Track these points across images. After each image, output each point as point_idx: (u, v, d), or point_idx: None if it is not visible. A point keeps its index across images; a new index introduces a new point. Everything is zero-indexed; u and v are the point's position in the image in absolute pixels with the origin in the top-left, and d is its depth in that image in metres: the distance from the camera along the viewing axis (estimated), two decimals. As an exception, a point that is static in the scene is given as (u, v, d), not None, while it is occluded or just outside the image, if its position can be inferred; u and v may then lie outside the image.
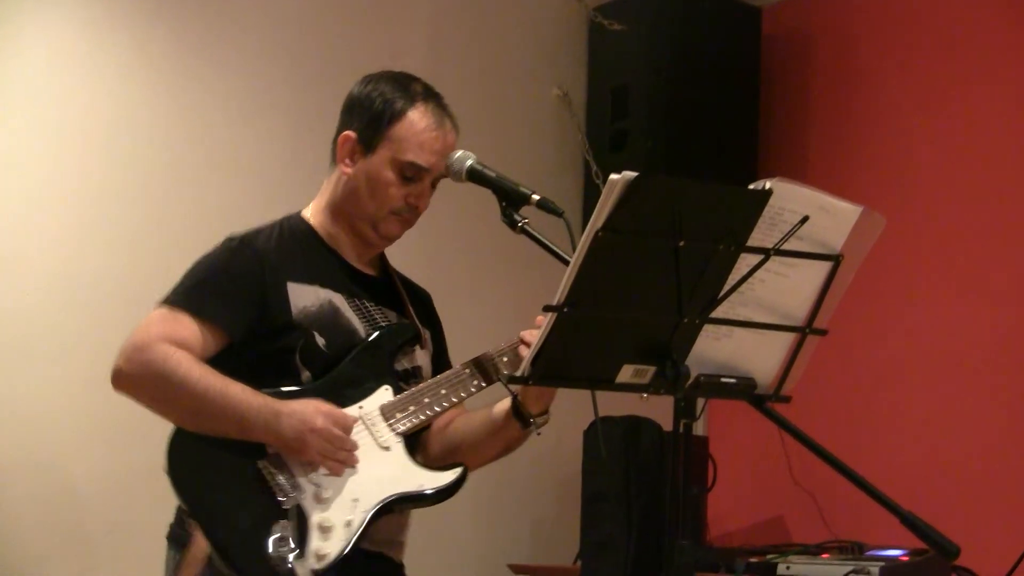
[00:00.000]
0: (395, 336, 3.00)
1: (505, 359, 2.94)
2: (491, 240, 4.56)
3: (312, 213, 3.06)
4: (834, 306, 2.45)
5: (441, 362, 3.13)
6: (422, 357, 3.06)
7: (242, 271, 2.89)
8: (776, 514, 5.07)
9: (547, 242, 2.87)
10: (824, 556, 4.26)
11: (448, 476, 2.89)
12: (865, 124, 5.03)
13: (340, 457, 2.80)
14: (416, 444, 2.96)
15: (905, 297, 4.81)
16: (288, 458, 2.79)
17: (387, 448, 2.88)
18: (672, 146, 4.99)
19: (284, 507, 2.75)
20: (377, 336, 2.96)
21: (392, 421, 2.90)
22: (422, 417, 2.92)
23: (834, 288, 2.43)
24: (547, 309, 2.28)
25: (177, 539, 2.88)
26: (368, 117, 2.98)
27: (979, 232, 4.66)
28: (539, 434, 2.97)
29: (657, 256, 2.29)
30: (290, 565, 2.68)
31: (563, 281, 2.26)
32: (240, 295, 2.86)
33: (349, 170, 2.99)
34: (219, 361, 2.82)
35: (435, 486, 2.88)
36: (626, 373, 2.37)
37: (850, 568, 4.01)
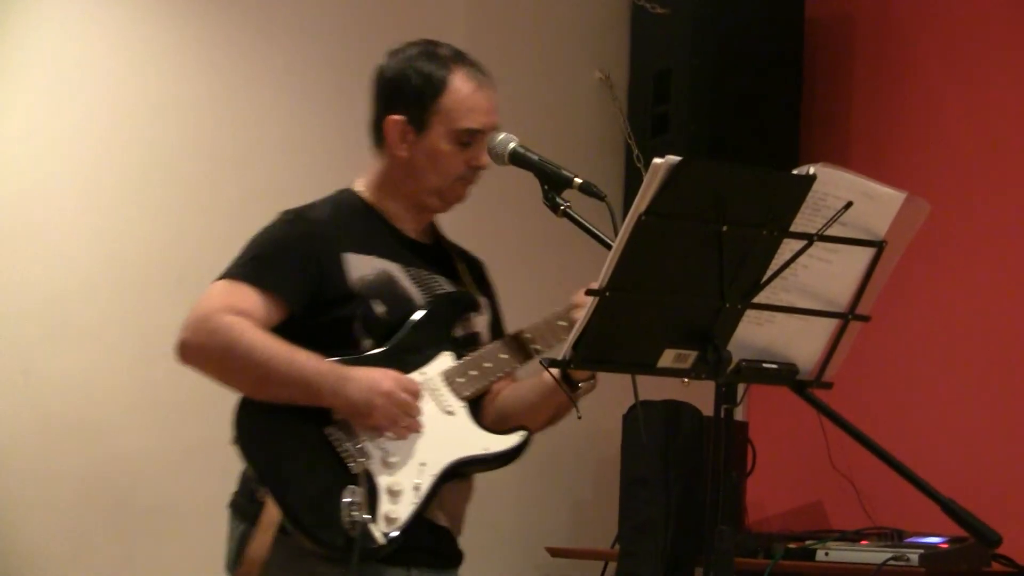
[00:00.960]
0: (453, 303, 3.05)
1: (563, 323, 2.97)
2: (533, 224, 4.56)
3: (364, 188, 3.09)
4: (877, 292, 2.44)
5: (497, 328, 3.16)
6: (480, 323, 3.10)
7: (299, 243, 2.94)
8: (815, 500, 5.06)
9: (590, 225, 2.87)
10: (863, 543, 4.24)
11: (513, 439, 2.94)
12: (908, 109, 5.00)
13: (406, 422, 2.84)
14: (478, 409, 2.99)
15: (948, 283, 4.78)
16: (354, 424, 2.83)
17: (451, 413, 2.93)
18: (714, 131, 4.97)
19: (353, 472, 2.79)
20: (435, 303, 3.00)
21: (455, 386, 2.95)
22: (484, 382, 2.97)
23: (877, 274, 2.43)
24: (589, 293, 2.29)
25: (240, 508, 2.93)
26: (411, 97, 3.00)
27: (1022, 217, 4.62)
28: (578, 417, 2.98)
29: (700, 241, 2.29)
30: (362, 528, 2.71)
31: (605, 265, 2.27)
32: (298, 266, 2.91)
33: (404, 153, 3.02)
34: (279, 333, 2.86)
35: (500, 448, 2.93)
36: (668, 358, 2.38)
37: (889, 555, 4.00)
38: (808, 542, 4.27)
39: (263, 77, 4.64)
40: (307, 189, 4.59)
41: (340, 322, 2.91)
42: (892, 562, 3.98)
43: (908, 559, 3.97)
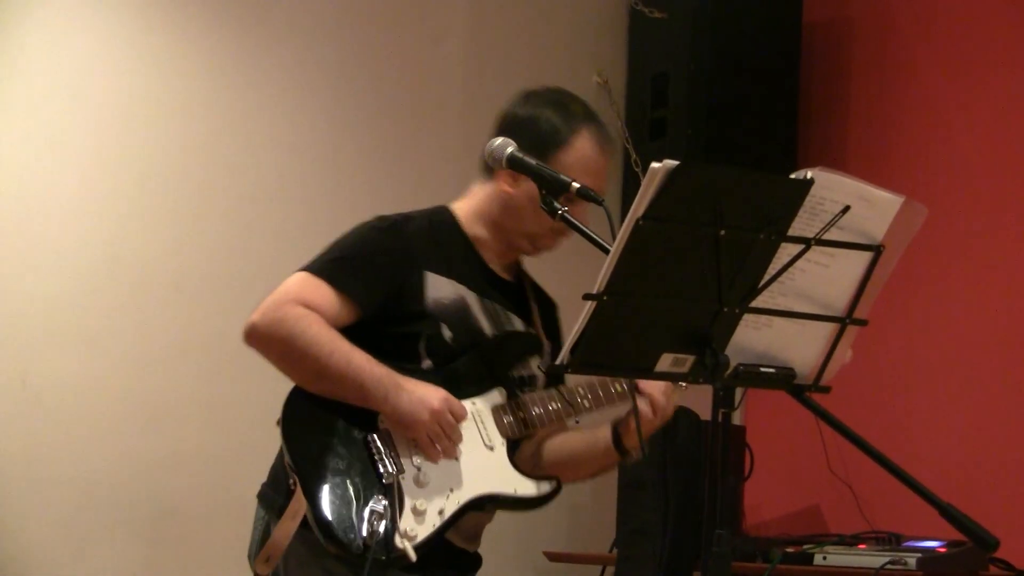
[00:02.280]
0: (519, 343, 3.08)
1: (618, 389, 3.01)
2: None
3: (461, 212, 3.10)
4: (875, 296, 2.44)
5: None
6: (536, 364, 3.11)
7: (385, 252, 2.97)
8: (813, 504, 5.06)
9: (587, 230, 2.87)
10: (861, 547, 4.25)
11: (543, 487, 2.99)
12: (906, 113, 5.00)
13: (444, 444, 2.88)
14: (516, 450, 3.02)
15: (945, 287, 4.78)
16: (396, 437, 2.87)
17: (491, 448, 2.95)
18: (712, 135, 4.97)
19: (385, 482, 2.82)
20: (502, 339, 3.04)
21: (500, 424, 2.98)
22: (530, 426, 2.99)
23: (875, 278, 2.42)
24: (587, 297, 2.29)
25: (267, 498, 2.95)
26: (535, 140, 2.99)
27: (1021, 221, 4.63)
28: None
29: (697, 245, 2.29)
30: (381, 538, 2.74)
31: (603, 269, 2.27)
32: (379, 275, 2.94)
33: (511, 191, 3.03)
34: (346, 334, 2.89)
35: (528, 494, 2.97)
36: (665, 362, 2.38)
37: (887, 559, 4.00)
38: (806, 546, 4.27)
39: (262, 81, 4.64)
40: (305, 194, 4.61)
41: (407, 337, 2.95)
42: (890, 566, 3.98)
43: (906, 563, 3.97)
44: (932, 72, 4.96)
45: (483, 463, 2.93)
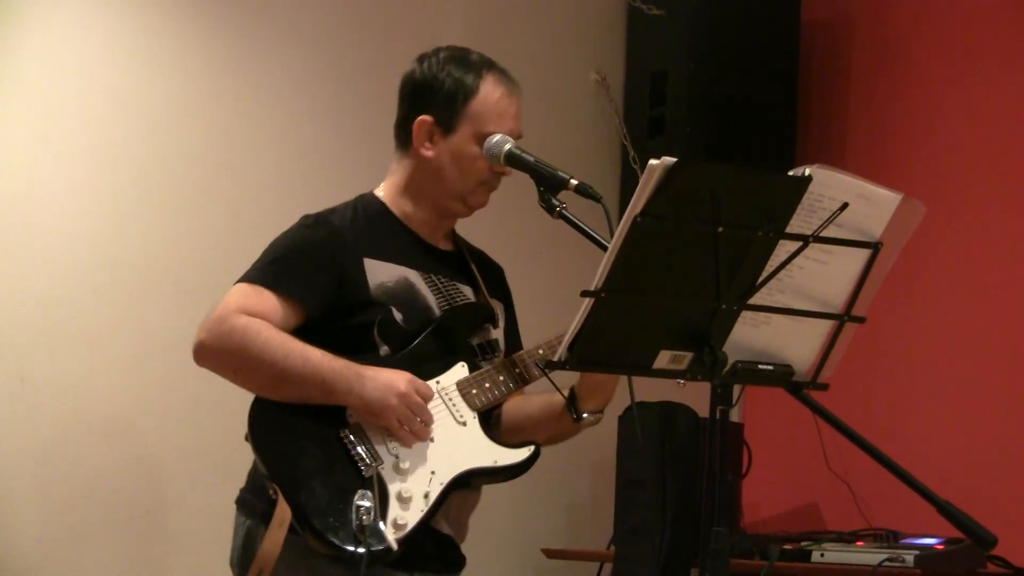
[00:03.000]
0: (470, 314, 3.06)
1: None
2: (529, 225, 4.56)
3: (385, 193, 3.10)
4: (873, 294, 2.44)
5: (514, 334, 3.19)
6: (497, 331, 3.11)
7: (319, 248, 2.95)
8: (811, 501, 5.06)
9: (585, 227, 2.87)
10: (859, 544, 4.25)
11: (522, 453, 2.97)
12: (904, 111, 5.00)
13: (416, 427, 2.86)
14: (487, 420, 3.01)
15: (944, 285, 4.78)
16: (367, 427, 2.85)
17: (463, 423, 2.94)
18: (710, 132, 4.97)
19: (365, 475, 2.81)
20: (452, 313, 3.02)
21: (468, 397, 2.96)
22: (497, 393, 2.99)
23: (873, 276, 2.43)
24: (585, 294, 2.29)
25: (247, 504, 2.94)
26: (441, 98, 3.02)
27: (1020, 217, 4.63)
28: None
29: (696, 242, 2.29)
30: (372, 532, 2.73)
31: (601, 266, 2.27)
32: (318, 271, 2.92)
33: (430, 153, 3.03)
34: (299, 336, 2.87)
35: (509, 462, 2.95)
36: (663, 359, 2.38)
37: (885, 556, 4.01)
38: (804, 543, 4.27)
39: (260, 79, 4.63)
40: (304, 192, 4.60)
41: (359, 328, 2.92)
42: (888, 563, 3.98)
43: (904, 560, 3.97)
44: (930, 70, 4.96)
45: (458, 440, 2.92)
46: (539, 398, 3.09)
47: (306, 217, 3.03)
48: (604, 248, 2.56)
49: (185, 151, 4.48)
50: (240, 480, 3.02)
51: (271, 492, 2.79)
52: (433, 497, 2.86)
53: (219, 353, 2.84)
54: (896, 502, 4.28)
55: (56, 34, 4.30)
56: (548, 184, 2.91)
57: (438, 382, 2.95)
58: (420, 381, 2.89)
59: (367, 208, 3.06)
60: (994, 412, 4.59)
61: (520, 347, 3.16)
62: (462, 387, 2.96)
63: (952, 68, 4.89)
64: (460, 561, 3.04)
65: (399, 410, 2.84)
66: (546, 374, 2.95)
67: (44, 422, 4.18)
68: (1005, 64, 4.75)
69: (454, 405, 2.95)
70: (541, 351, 3.01)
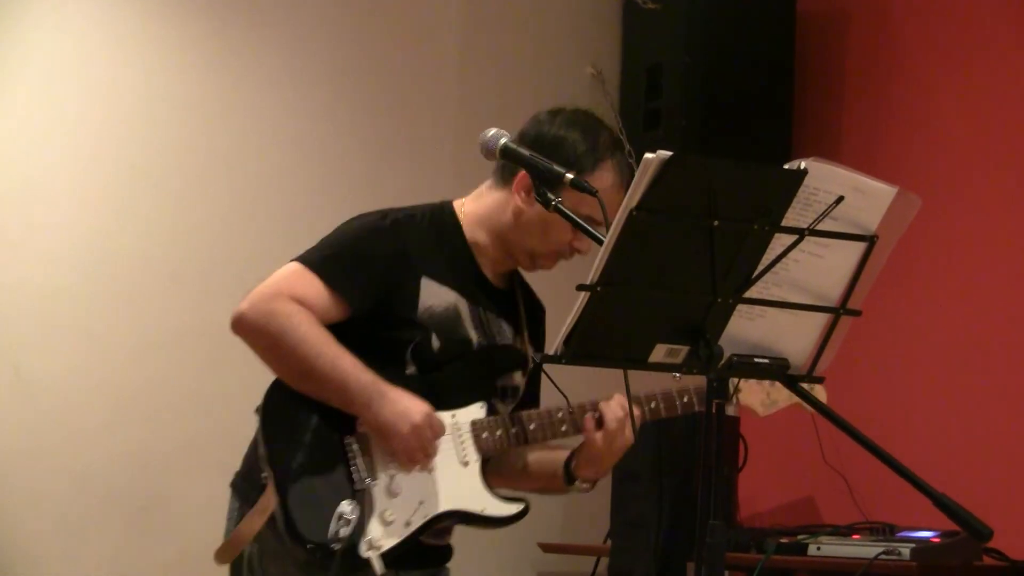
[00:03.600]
0: (504, 356, 3.05)
1: (566, 428, 3.00)
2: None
3: (464, 214, 3.06)
4: (868, 287, 2.44)
5: (533, 379, 3.16)
6: (520, 377, 3.10)
7: (383, 255, 2.93)
8: (807, 495, 5.06)
9: (581, 221, 2.87)
10: (855, 537, 4.25)
11: (511, 508, 2.98)
12: (900, 104, 5.00)
13: (418, 458, 2.86)
14: (486, 467, 3.00)
15: (939, 277, 4.79)
16: (373, 442, 2.86)
17: (466, 464, 2.94)
18: (706, 126, 4.97)
19: (356, 487, 2.81)
20: (487, 351, 3.01)
21: (478, 440, 2.95)
22: (504, 444, 2.98)
23: (868, 269, 2.42)
24: (580, 288, 2.28)
25: (240, 489, 2.94)
26: (558, 161, 2.91)
27: (1015, 210, 4.63)
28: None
29: (691, 235, 2.29)
30: (346, 543, 2.73)
31: (596, 260, 2.26)
32: (375, 278, 2.91)
33: (523, 205, 2.99)
34: (332, 330, 2.87)
35: (496, 514, 2.96)
36: (659, 353, 2.37)
37: (881, 549, 4.01)
38: (800, 536, 4.28)
39: (257, 74, 4.63)
40: (302, 185, 4.60)
41: (395, 343, 2.92)
42: (884, 556, 3.98)
43: (900, 553, 3.97)
44: (926, 62, 4.96)
45: (456, 479, 2.91)
46: (536, 453, 3.10)
47: (384, 216, 2.99)
48: (600, 242, 2.56)
49: (183, 145, 4.48)
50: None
51: (264, 477, 2.79)
52: (414, 526, 2.86)
53: (257, 330, 2.83)
54: (892, 495, 4.29)
55: (56, 29, 4.31)
56: (544, 178, 2.90)
57: (454, 416, 2.94)
58: (437, 417, 2.88)
59: (442, 224, 3.03)
60: (990, 405, 4.59)
61: (537, 393, 3.16)
62: (475, 427, 2.95)
63: (948, 61, 4.90)
64: (446, 554, 3.05)
65: (408, 439, 2.83)
66: (544, 371, 2.95)
67: (38, 413, 4.18)
68: (1001, 57, 4.75)
69: (462, 443, 2.94)
70: (559, 415, 3.00)
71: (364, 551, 2.78)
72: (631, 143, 5.11)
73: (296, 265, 2.90)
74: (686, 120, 4.97)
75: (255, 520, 2.77)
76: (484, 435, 2.96)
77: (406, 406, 2.84)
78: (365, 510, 2.80)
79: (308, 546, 2.75)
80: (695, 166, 2.28)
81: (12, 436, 4.15)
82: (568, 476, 3.03)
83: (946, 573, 4.08)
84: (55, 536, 4.18)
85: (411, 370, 2.93)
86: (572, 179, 2.84)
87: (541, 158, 2.91)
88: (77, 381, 4.25)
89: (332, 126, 4.68)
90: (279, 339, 2.82)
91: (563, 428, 2.99)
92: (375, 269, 2.91)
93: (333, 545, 2.73)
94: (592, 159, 2.99)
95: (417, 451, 2.85)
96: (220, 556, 2.84)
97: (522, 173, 2.97)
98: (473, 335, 2.99)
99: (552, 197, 2.89)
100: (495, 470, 3.04)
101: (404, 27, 4.80)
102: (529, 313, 3.16)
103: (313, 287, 2.86)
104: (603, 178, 2.97)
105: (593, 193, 2.81)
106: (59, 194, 4.28)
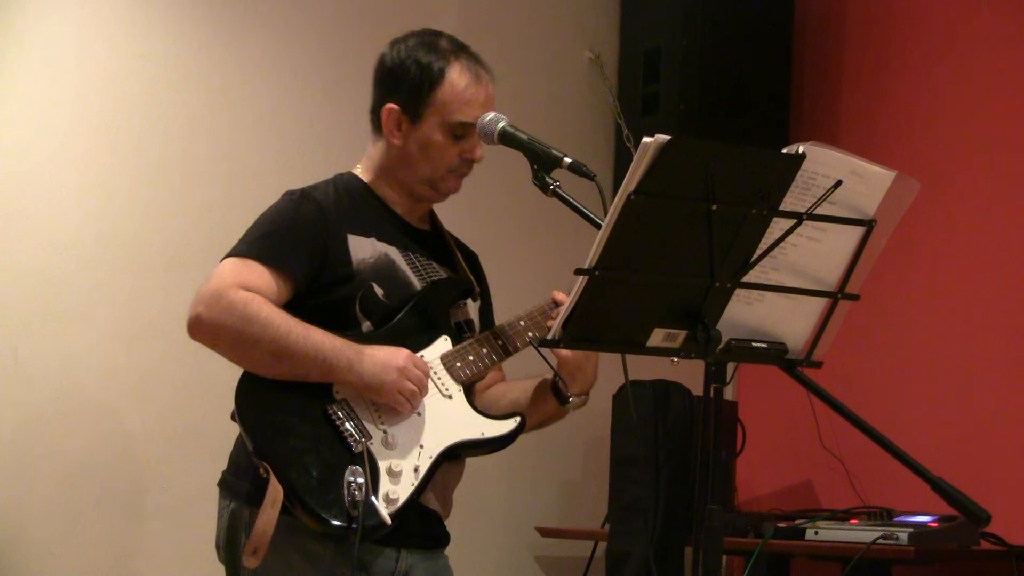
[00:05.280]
0: (451, 288, 3.08)
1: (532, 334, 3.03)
2: (522, 203, 4.56)
3: (363, 173, 3.11)
4: (866, 271, 2.44)
5: (488, 319, 3.20)
6: (473, 311, 3.13)
7: (307, 223, 2.95)
8: (805, 479, 5.07)
9: (579, 205, 2.87)
10: (852, 521, 4.25)
11: (508, 424, 2.98)
12: (898, 89, 4.99)
13: (415, 400, 2.87)
14: (469, 394, 3.03)
15: (937, 262, 4.78)
16: (355, 403, 2.86)
17: (449, 396, 2.96)
18: (704, 110, 4.96)
19: (355, 451, 2.82)
20: (434, 287, 3.03)
21: (452, 370, 2.98)
22: (480, 366, 3.01)
23: (867, 253, 2.43)
24: (578, 272, 2.28)
25: (230, 486, 2.94)
26: (407, 87, 3.02)
27: (1012, 196, 4.63)
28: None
29: (689, 219, 2.29)
30: (366, 507, 2.74)
31: (595, 244, 2.26)
32: (306, 245, 2.92)
33: (398, 141, 3.04)
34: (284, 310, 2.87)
35: (495, 433, 2.97)
36: (657, 337, 2.38)
37: (879, 534, 4.01)
38: (798, 521, 4.28)
39: (255, 61, 4.62)
40: (296, 171, 4.59)
41: (341, 302, 2.93)
42: (881, 541, 3.98)
43: (897, 538, 3.97)
44: (923, 48, 4.95)
45: (445, 413, 2.93)
46: (521, 384, 3.13)
47: (290, 193, 3.03)
48: (598, 226, 2.56)
49: (179, 130, 4.47)
50: (231, 461, 3.02)
51: (262, 471, 2.78)
52: (423, 471, 2.87)
53: (219, 327, 2.82)
54: (890, 480, 4.30)
55: (56, 16, 4.29)
56: (542, 162, 2.91)
57: (422, 356, 2.95)
58: (417, 357, 2.90)
59: (348, 186, 3.08)
60: (987, 389, 4.60)
61: (492, 322, 3.18)
62: (446, 360, 2.98)
63: (947, 45, 4.89)
64: (445, 537, 3.06)
65: (398, 385, 2.84)
66: (539, 351, 2.95)
67: (37, 397, 4.18)
68: (999, 41, 4.74)
69: (439, 379, 2.96)
70: (522, 323, 3.03)
71: (383, 509, 2.78)
72: (629, 127, 5.11)
73: (231, 260, 2.90)
74: (684, 104, 4.96)
75: (270, 513, 2.75)
76: (458, 364, 2.98)
77: (386, 356, 2.85)
78: (371, 471, 2.80)
79: (334, 524, 2.74)
80: (693, 150, 2.28)
81: (11, 421, 4.15)
82: (560, 399, 3.04)
83: (944, 557, 4.08)
84: (52, 520, 4.18)
85: (366, 326, 2.95)
86: (571, 162, 2.86)
87: (539, 141, 2.93)
88: (76, 366, 4.24)
89: (331, 112, 4.67)
90: (244, 328, 2.80)
91: (529, 334, 3.02)
92: (302, 237, 2.93)
93: (355, 514, 2.73)
94: (437, 68, 3.02)
95: (411, 393, 2.86)
96: (248, 560, 2.79)
97: (386, 108, 3.03)
98: (413, 277, 3.02)
99: (551, 181, 2.90)
100: (489, 408, 3.06)
101: (402, 12, 4.78)
102: (461, 252, 3.18)
103: (255, 273, 2.86)
104: (456, 82, 3.02)
105: (592, 177, 2.82)
106: (58, 180, 4.27)
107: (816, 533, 4.17)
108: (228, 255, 2.91)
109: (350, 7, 4.78)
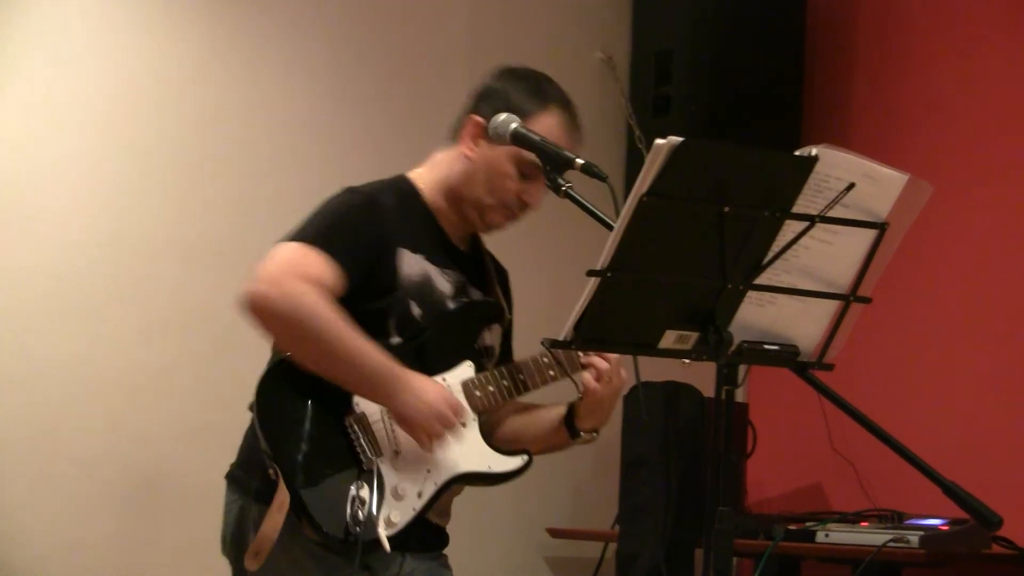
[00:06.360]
0: (480, 312, 3.05)
1: (582, 355, 2.97)
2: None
3: (422, 181, 3.06)
4: (879, 274, 2.44)
5: (507, 344, 3.17)
6: (496, 336, 3.10)
7: (370, 225, 2.91)
8: (815, 481, 5.06)
9: (591, 206, 2.86)
10: (863, 524, 4.25)
11: (515, 462, 2.97)
12: (911, 91, 4.99)
13: (439, 441, 2.86)
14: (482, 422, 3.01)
15: (950, 265, 4.78)
16: (374, 419, 2.86)
17: (464, 424, 2.93)
18: (716, 111, 4.96)
19: (364, 467, 2.82)
20: (464, 310, 3.00)
21: (472, 399, 2.95)
22: (498, 399, 2.97)
23: (879, 256, 2.42)
24: (590, 274, 2.28)
25: (239, 481, 2.94)
26: (502, 107, 2.96)
27: (1024, 201, 4.63)
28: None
29: (702, 221, 2.28)
30: (365, 524, 2.75)
31: (607, 246, 2.26)
32: (365, 249, 2.89)
33: (471, 154, 2.99)
34: None
35: (501, 469, 2.96)
36: (669, 339, 2.37)
37: (889, 537, 4.01)
38: (808, 523, 4.28)
39: (266, 59, 4.63)
40: (310, 168, 4.60)
41: (378, 313, 2.90)
42: (892, 544, 3.98)
43: (908, 541, 3.97)
44: (936, 50, 4.94)
45: (457, 442, 2.91)
46: (535, 414, 3.10)
47: (353, 191, 2.98)
48: (610, 227, 2.55)
49: (192, 127, 4.48)
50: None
51: (271, 473, 2.78)
52: (426, 496, 2.87)
53: (275, 311, 2.77)
54: (901, 483, 4.28)
55: (65, 13, 4.30)
56: (554, 163, 2.90)
57: (444, 379, 2.93)
58: (455, 399, 2.88)
59: (406, 195, 3.02)
60: (1000, 393, 4.59)
61: (510, 355, 3.15)
62: (467, 388, 2.95)
63: (959, 46, 4.88)
64: (445, 538, 3.05)
65: (430, 426, 2.83)
66: (552, 354, 2.94)
67: (46, 395, 4.19)
68: (1013, 41, 4.74)
69: None
70: (545, 359, 2.99)
71: (382, 528, 2.78)
72: (641, 129, 5.11)
73: (294, 244, 2.84)
74: (696, 105, 4.96)
75: (277, 518, 2.75)
76: (477, 393, 2.95)
77: (428, 394, 2.83)
78: (377, 489, 2.80)
79: (332, 536, 2.75)
80: (706, 152, 2.28)
81: (19, 417, 4.16)
82: (572, 431, 3.02)
83: (955, 561, 4.08)
84: (62, 519, 4.19)
85: (395, 340, 2.92)
86: (583, 164, 2.85)
87: (552, 143, 2.91)
88: (85, 365, 4.25)
89: (341, 111, 4.67)
90: (300, 320, 2.76)
91: (551, 373, 2.99)
92: (364, 240, 2.89)
93: (355, 530, 2.73)
94: (536, 105, 2.99)
95: (439, 436, 2.85)
96: (250, 562, 2.79)
97: (471, 120, 3.00)
98: (447, 299, 2.99)
99: (562, 182, 2.89)
100: (491, 439, 3.04)
101: (413, 13, 4.79)
102: (496, 275, 3.16)
103: (318, 262, 2.81)
104: (548, 125, 2.97)
105: (604, 179, 2.81)
106: (68, 178, 4.28)
107: (827, 536, 4.17)
108: (291, 238, 2.86)
109: (362, 7, 4.79)
